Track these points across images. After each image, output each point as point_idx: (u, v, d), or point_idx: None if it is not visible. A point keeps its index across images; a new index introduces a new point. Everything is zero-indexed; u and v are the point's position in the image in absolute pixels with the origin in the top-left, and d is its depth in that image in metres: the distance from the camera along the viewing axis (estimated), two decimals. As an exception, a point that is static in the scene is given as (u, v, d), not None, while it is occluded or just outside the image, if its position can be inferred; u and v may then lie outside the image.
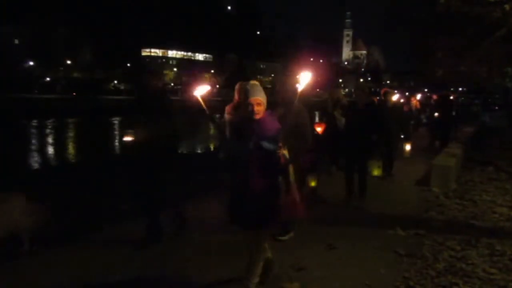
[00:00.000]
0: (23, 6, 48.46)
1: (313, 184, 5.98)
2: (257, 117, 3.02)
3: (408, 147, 8.57)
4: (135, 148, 4.31)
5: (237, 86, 4.07)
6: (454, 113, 12.51)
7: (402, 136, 8.83)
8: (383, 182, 7.29)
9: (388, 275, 3.71)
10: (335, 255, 4.16)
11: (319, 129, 7.08)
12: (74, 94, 45.63)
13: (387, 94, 7.93)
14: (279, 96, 4.49)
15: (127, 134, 4.28)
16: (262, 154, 2.90)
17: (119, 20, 58.77)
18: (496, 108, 48.89)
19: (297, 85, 3.75)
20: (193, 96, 3.30)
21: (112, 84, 61.43)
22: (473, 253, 4.20)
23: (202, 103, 3.32)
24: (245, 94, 3.08)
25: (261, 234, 3.15)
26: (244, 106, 3.09)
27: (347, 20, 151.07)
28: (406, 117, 9.08)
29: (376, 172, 5.98)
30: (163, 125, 4.19)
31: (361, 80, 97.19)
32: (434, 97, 14.11)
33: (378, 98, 9.01)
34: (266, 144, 2.88)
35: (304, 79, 3.07)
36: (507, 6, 7.46)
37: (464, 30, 9.86)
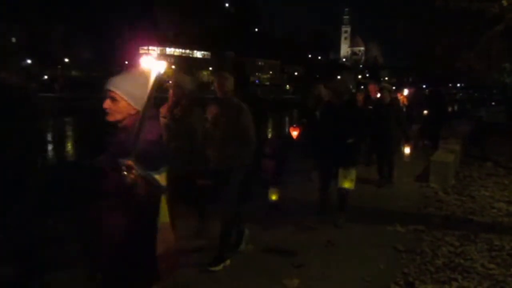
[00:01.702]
0: (20, 4, 48.31)
1: (274, 198, 5.16)
2: (111, 118, 2.08)
3: (407, 150, 7.68)
4: None
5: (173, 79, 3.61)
6: (449, 109, 12.09)
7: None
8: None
9: (388, 271, 3.73)
10: (335, 252, 4.17)
11: (294, 134, 6.34)
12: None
13: (384, 91, 7.03)
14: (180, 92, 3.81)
15: None
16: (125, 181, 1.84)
17: (116, 17, 58.64)
18: (493, 103, 49.01)
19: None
20: None
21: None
22: (472, 248, 4.22)
23: None
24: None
25: None
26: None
27: (345, 17, 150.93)
28: (404, 116, 7.90)
29: (346, 184, 4.69)
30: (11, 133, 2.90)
31: (360, 76, 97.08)
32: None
33: (365, 94, 8.65)
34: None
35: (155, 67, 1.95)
36: (504, 2, 7.47)
37: (463, 25, 9.87)
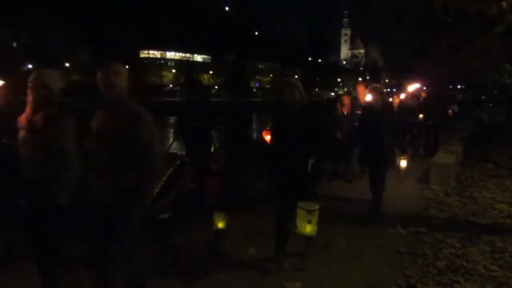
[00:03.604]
0: (21, 9, 48.55)
1: (220, 225, 3.90)
2: None
3: (404, 163, 6.57)
4: None
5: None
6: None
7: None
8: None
9: (389, 273, 3.71)
10: (336, 254, 4.16)
11: (268, 138, 5.12)
12: None
13: (373, 92, 5.77)
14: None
15: None
16: None
17: (117, 21, 58.85)
18: (491, 105, 48.66)
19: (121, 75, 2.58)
20: None
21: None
22: (474, 250, 4.20)
23: None
24: None
25: None
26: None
27: (345, 19, 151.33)
28: (396, 121, 6.22)
29: (308, 228, 3.61)
30: None
31: (360, 79, 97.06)
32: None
33: (350, 95, 7.94)
34: None
35: None
36: (504, 3, 7.47)
37: (462, 26, 9.86)
